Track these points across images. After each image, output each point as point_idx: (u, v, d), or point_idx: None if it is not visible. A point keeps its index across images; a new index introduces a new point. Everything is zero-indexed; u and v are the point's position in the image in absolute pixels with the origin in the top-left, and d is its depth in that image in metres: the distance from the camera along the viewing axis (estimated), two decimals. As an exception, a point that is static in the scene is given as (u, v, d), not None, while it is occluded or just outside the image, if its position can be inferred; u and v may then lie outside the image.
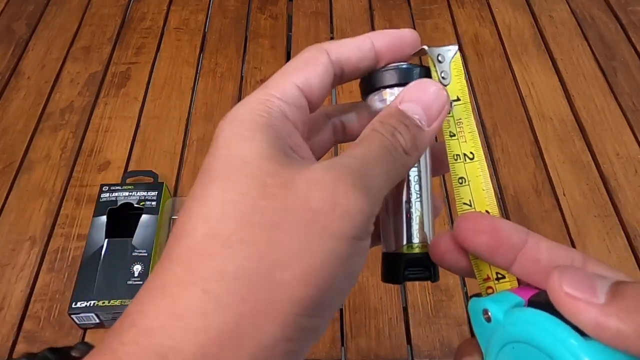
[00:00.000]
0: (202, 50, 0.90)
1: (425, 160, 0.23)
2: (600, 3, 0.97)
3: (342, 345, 0.58)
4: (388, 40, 0.22)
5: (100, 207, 0.64)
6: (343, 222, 0.17)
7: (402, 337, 0.58)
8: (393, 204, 0.23)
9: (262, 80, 0.85)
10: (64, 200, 0.70)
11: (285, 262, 0.16)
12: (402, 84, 0.22)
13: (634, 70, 0.86)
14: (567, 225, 0.67)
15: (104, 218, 0.63)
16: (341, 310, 0.60)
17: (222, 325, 0.15)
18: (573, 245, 0.65)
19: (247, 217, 0.16)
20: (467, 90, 0.23)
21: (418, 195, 0.22)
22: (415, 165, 0.22)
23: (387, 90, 0.23)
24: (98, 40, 0.90)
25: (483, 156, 0.22)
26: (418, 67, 0.23)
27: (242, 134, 0.18)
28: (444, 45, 0.23)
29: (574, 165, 0.74)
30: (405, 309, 0.61)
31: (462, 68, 0.23)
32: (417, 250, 0.22)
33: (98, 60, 0.87)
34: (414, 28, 0.95)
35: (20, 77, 0.85)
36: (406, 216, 0.22)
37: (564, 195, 0.71)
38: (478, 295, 0.21)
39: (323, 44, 0.21)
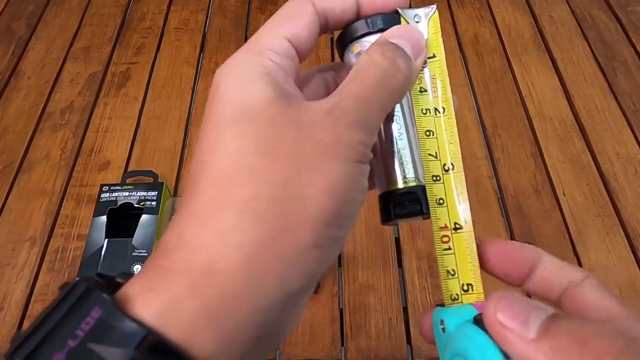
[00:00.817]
0: (202, 50, 0.90)
1: (407, 100, 0.23)
2: (600, 3, 0.97)
3: (342, 345, 0.58)
4: None
5: (100, 207, 0.64)
6: (347, 150, 0.19)
7: (402, 337, 0.58)
8: (379, 146, 0.23)
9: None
10: (64, 200, 0.70)
11: (308, 182, 0.18)
12: (381, 29, 0.22)
13: (634, 70, 0.86)
14: (567, 225, 0.68)
15: (104, 218, 0.63)
16: (341, 310, 0.60)
17: (261, 236, 0.17)
18: (573, 245, 0.65)
19: (266, 149, 0.18)
20: (442, 48, 0.23)
21: (400, 134, 0.23)
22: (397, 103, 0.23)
23: (366, 38, 0.23)
24: (98, 40, 0.90)
25: (453, 111, 0.23)
26: (395, 15, 0.23)
27: (243, 82, 0.20)
28: (422, 7, 0.24)
29: (574, 165, 0.74)
30: (405, 309, 0.61)
31: (439, 26, 0.23)
32: (402, 187, 0.23)
33: (98, 60, 0.87)
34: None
35: (20, 77, 0.85)
36: (391, 155, 0.23)
37: (564, 195, 0.71)
38: (442, 305, 0.21)
39: None
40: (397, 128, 0.23)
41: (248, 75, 0.20)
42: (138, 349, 0.16)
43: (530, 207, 0.70)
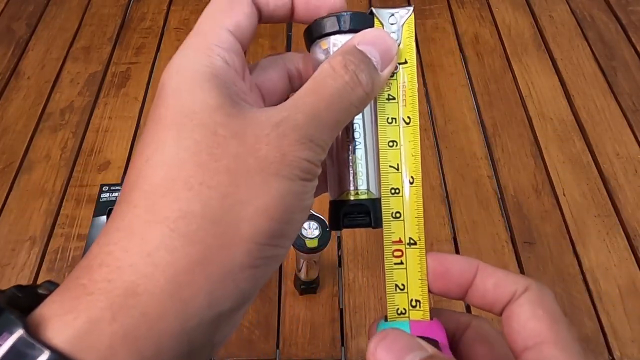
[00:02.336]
0: (202, 50, 0.90)
1: (367, 109, 0.22)
2: (600, 3, 0.97)
3: (342, 345, 0.58)
4: None
5: (100, 207, 0.64)
6: (291, 168, 0.18)
7: (402, 337, 0.58)
8: (335, 152, 0.23)
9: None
10: (64, 200, 0.70)
11: (246, 200, 0.17)
12: (352, 30, 0.22)
13: (634, 70, 0.86)
14: (567, 225, 0.67)
15: (103, 218, 0.63)
16: (341, 310, 0.60)
17: (190, 257, 0.17)
18: (573, 246, 0.65)
19: (204, 162, 0.17)
20: (415, 54, 0.22)
21: (358, 143, 0.22)
22: None
23: (333, 37, 0.22)
24: (98, 40, 0.90)
25: (418, 122, 0.22)
26: (369, 15, 0.22)
27: (190, 84, 0.19)
28: (399, 7, 0.23)
29: (574, 165, 0.74)
30: (405, 309, 0.61)
31: (413, 30, 0.22)
32: (354, 197, 0.22)
33: (98, 60, 0.87)
34: (414, 28, 0.95)
35: (20, 77, 0.85)
36: (345, 164, 0.22)
37: (564, 195, 0.71)
38: (387, 318, 0.22)
39: None
40: (357, 136, 0.22)
41: (196, 77, 0.19)
42: None
43: (530, 207, 0.70)
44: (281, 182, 0.18)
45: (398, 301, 0.21)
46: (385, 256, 0.22)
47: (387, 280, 0.22)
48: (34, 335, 0.15)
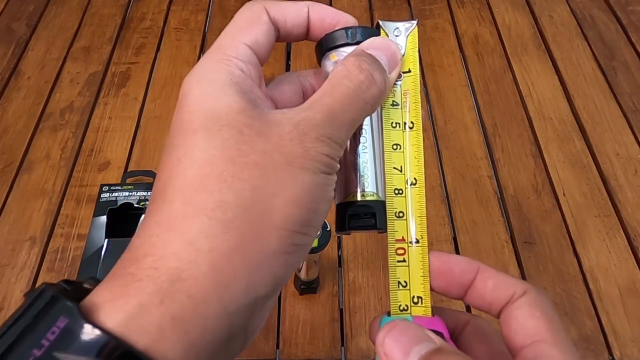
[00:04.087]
0: (202, 50, 0.90)
1: (376, 114, 0.24)
2: (600, 3, 0.97)
3: (342, 345, 0.58)
4: (323, 16, 0.24)
5: (100, 207, 0.64)
6: (314, 162, 0.19)
7: (402, 337, 0.58)
8: (343, 155, 0.23)
9: (262, 80, 0.85)
10: (64, 200, 0.70)
11: (276, 191, 0.19)
12: (360, 42, 0.23)
13: (634, 70, 0.86)
14: (567, 225, 0.67)
15: (104, 218, 0.63)
16: (341, 310, 0.60)
17: (229, 242, 0.18)
18: (573, 245, 0.65)
19: (234, 158, 0.19)
20: (417, 64, 0.24)
21: (364, 148, 0.23)
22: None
23: (342, 49, 0.23)
24: (98, 40, 0.90)
25: (421, 127, 0.23)
26: (375, 29, 0.24)
27: (212, 91, 0.20)
28: (404, 21, 0.24)
29: (574, 165, 0.74)
30: (405, 309, 0.61)
31: (417, 42, 0.24)
32: (360, 199, 0.23)
33: (98, 60, 0.87)
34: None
35: (20, 77, 0.85)
36: (353, 167, 0.23)
37: (564, 195, 0.71)
38: (389, 314, 0.22)
39: (262, 1, 0.23)
40: (363, 141, 0.23)
41: (217, 84, 0.20)
42: (100, 356, 0.16)
43: (530, 207, 0.70)
44: (306, 174, 0.19)
45: (401, 298, 0.22)
46: (388, 254, 0.22)
47: (390, 278, 0.22)
48: (88, 319, 0.16)
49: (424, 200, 0.23)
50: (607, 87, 0.83)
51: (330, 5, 1.00)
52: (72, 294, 0.17)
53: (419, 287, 0.22)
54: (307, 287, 0.60)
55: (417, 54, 0.24)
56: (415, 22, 0.24)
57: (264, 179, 0.18)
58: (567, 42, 0.90)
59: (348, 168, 0.23)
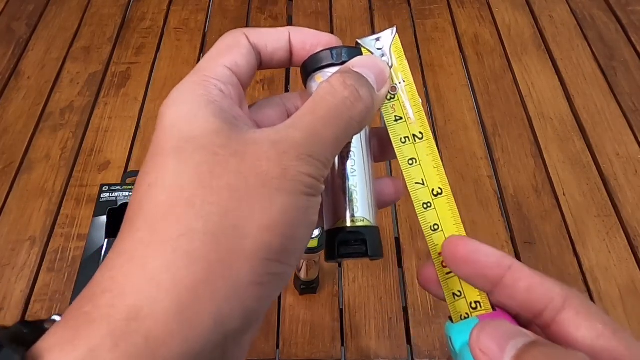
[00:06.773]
0: (202, 50, 0.90)
1: (363, 136, 0.23)
2: (600, 3, 0.97)
3: (342, 345, 0.58)
4: (304, 39, 0.23)
5: (100, 207, 0.64)
6: (294, 183, 0.18)
7: (402, 337, 0.58)
8: (331, 180, 0.22)
9: (262, 80, 0.85)
10: (64, 200, 0.70)
11: (249, 215, 0.17)
12: (345, 62, 0.22)
13: (634, 70, 0.86)
14: (567, 225, 0.67)
15: (104, 218, 0.63)
16: (341, 310, 0.60)
17: (195, 275, 0.16)
18: (573, 245, 0.65)
19: (206, 182, 0.17)
20: (409, 72, 0.23)
21: (353, 171, 0.22)
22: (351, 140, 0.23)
23: (327, 69, 0.22)
24: (98, 40, 0.90)
25: (431, 135, 0.23)
26: (359, 49, 0.23)
27: (188, 112, 0.19)
28: (381, 32, 0.23)
29: (574, 165, 0.74)
30: (405, 309, 0.61)
31: (402, 50, 0.23)
32: (350, 224, 0.22)
33: (98, 60, 0.87)
34: (414, 28, 0.95)
35: (20, 77, 0.85)
36: (341, 192, 0.22)
37: (564, 195, 0.71)
38: (451, 319, 0.21)
39: (242, 29, 0.22)
40: (351, 164, 0.22)
41: (193, 105, 0.19)
42: None
43: (530, 207, 0.70)
44: (284, 197, 0.18)
45: (459, 307, 0.21)
46: (436, 269, 0.22)
47: (444, 291, 0.21)
48: None
49: (456, 208, 0.22)
50: (607, 87, 0.83)
51: (331, 6, 1.01)
52: (29, 337, 0.16)
53: (474, 292, 0.21)
54: (307, 287, 0.60)
55: (405, 62, 0.23)
56: (393, 29, 0.23)
57: (237, 202, 0.17)
58: (567, 42, 0.90)
59: (336, 192, 0.22)
